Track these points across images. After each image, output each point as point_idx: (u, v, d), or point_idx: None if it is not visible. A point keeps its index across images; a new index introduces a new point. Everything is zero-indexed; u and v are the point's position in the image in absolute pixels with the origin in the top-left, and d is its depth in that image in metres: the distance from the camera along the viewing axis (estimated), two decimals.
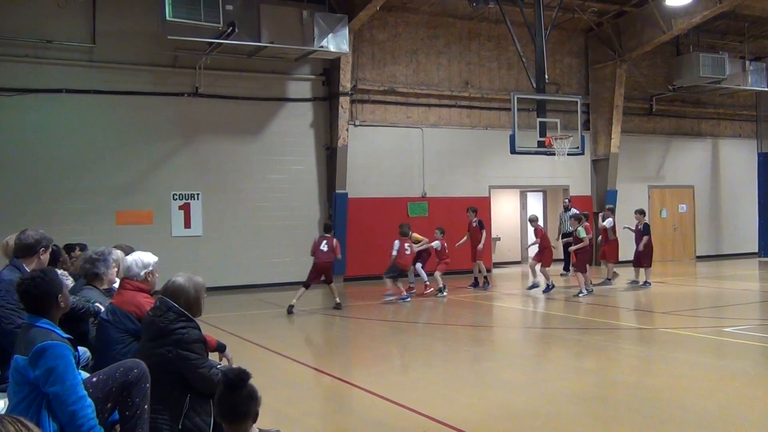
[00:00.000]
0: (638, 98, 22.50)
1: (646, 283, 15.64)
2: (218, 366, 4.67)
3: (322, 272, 13.30)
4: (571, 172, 21.03)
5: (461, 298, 14.92)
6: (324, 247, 13.24)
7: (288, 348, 9.59)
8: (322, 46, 16.03)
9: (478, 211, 16.70)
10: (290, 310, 12.78)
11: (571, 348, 9.70)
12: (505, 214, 22.64)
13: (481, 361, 8.94)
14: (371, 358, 9.62)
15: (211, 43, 15.54)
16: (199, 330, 4.65)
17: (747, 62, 22.09)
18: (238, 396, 3.46)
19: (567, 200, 19.15)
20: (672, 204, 23.14)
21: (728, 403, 6.45)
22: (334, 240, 13.48)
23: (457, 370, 8.29)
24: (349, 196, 17.83)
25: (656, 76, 22.71)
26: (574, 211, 17.87)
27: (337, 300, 13.29)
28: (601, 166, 21.63)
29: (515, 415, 6.26)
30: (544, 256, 15.23)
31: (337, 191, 17.68)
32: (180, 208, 16.52)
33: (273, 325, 11.93)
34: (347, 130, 17.73)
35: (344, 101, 17.59)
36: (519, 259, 22.77)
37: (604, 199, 21.26)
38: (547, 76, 17.01)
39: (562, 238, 18.37)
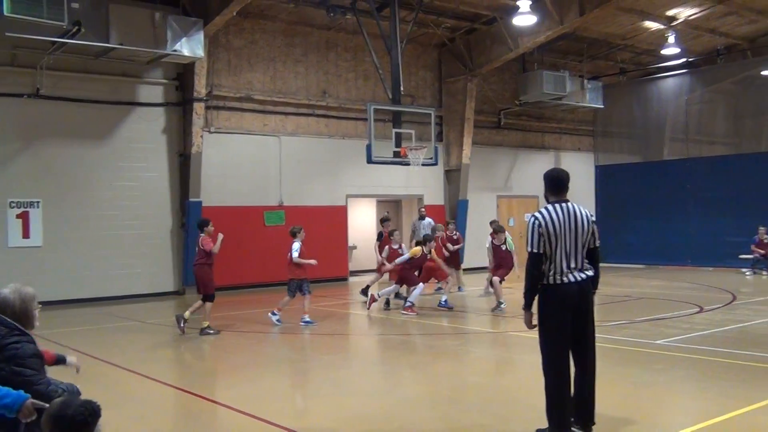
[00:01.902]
0: (488, 112, 23.52)
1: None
2: (60, 385, 4.39)
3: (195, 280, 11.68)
4: (425, 182, 21.63)
5: (315, 307, 14.91)
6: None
7: (136, 363, 9.19)
8: (175, 50, 15.56)
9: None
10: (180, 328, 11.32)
11: (425, 353, 9.95)
12: (362, 223, 22.91)
13: (337, 369, 8.98)
14: (224, 370, 9.41)
15: (54, 42, 14.66)
16: (35, 344, 4.35)
17: (585, 81, 23.70)
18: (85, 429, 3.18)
19: (422, 209, 19.60)
20: (519, 213, 24.34)
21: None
22: (201, 237, 11.48)
23: (311, 379, 8.27)
24: (203, 205, 17.37)
25: (504, 92, 23.86)
26: (428, 220, 18.36)
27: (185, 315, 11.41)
28: (453, 177, 22.40)
29: (369, 422, 6.33)
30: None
31: (190, 199, 17.17)
32: (17, 216, 15.42)
33: (120, 339, 11.39)
34: (202, 136, 17.30)
35: (199, 107, 17.15)
36: (375, 268, 23.05)
37: (456, 209, 22.03)
38: (402, 88, 17.42)
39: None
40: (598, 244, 5.60)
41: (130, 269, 16.64)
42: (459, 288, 16.75)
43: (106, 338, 11.47)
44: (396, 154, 16.57)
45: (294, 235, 12.30)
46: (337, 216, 19.87)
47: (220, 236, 11.58)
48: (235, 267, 17.35)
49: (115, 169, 16.63)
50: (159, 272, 17.15)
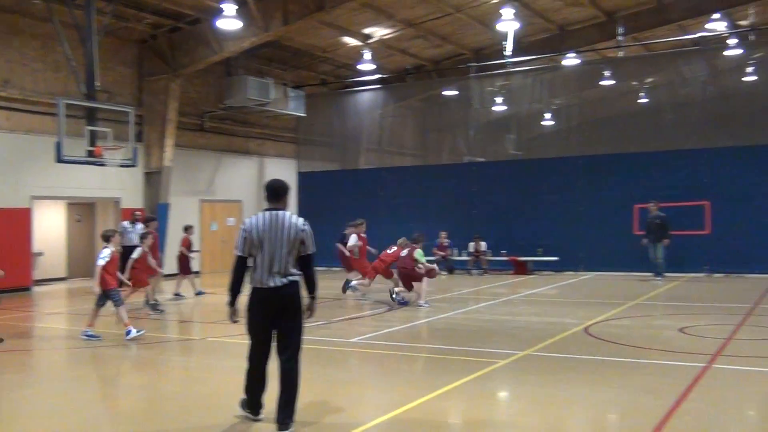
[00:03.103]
0: (191, 114, 23.02)
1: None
2: None
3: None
4: (123, 184, 20.48)
5: None
6: None
7: None
8: None
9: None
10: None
11: (119, 365, 9.41)
12: (50, 227, 20.99)
13: (19, 389, 8.09)
14: None
15: None
16: None
17: (288, 89, 24.32)
18: None
19: (138, 213, 18.10)
20: (221, 217, 24.19)
21: (268, 403, 6.91)
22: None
23: None
24: None
25: (209, 94, 23.55)
26: (139, 225, 17.27)
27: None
28: (153, 179, 21.53)
29: None
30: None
31: None
32: None
33: None
34: None
35: None
36: (65, 275, 21.34)
37: (156, 212, 21.20)
38: (98, 84, 16.39)
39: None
40: (310, 252, 5.93)
41: None
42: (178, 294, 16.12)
43: None
44: (90, 154, 15.54)
45: (107, 239, 10.82)
46: (20, 219, 17.96)
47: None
48: None
49: None
50: None
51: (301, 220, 5.88)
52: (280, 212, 5.86)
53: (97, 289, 10.66)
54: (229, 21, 17.51)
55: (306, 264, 5.91)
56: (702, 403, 6.60)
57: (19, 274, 17.88)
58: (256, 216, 5.89)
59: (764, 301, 13.94)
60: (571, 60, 23.07)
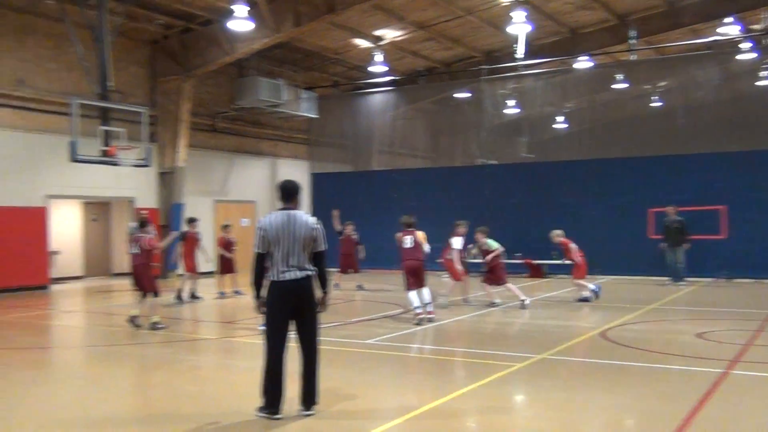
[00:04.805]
0: (203, 114, 23.08)
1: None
2: None
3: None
4: (137, 183, 20.58)
5: (11, 318, 13.40)
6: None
7: None
8: None
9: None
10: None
11: (136, 364, 9.42)
12: (67, 226, 21.09)
13: (34, 386, 8.11)
14: None
15: None
16: None
17: (300, 90, 24.32)
18: None
19: (144, 212, 17.95)
20: (235, 218, 24.16)
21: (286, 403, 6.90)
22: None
23: (6, 400, 7.37)
24: None
25: (220, 95, 23.59)
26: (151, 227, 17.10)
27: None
28: (168, 179, 21.60)
29: None
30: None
31: None
32: None
33: None
34: None
35: None
36: (81, 274, 21.44)
37: (170, 212, 21.28)
38: (111, 84, 16.45)
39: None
40: (322, 249, 6.31)
41: None
42: (237, 291, 16.23)
43: None
44: (104, 153, 15.60)
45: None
46: (36, 218, 18.06)
47: None
48: None
49: None
50: None
51: (313, 219, 6.28)
52: (294, 211, 6.25)
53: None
54: (241, 22, 17.52)
55: (318, 260, 6.29)
56: (720, 410, 6.53)
57: (36, 273, 18.02)
58: (270, 215, 6.26)
59: None
60: (583, 63, 22.98)
